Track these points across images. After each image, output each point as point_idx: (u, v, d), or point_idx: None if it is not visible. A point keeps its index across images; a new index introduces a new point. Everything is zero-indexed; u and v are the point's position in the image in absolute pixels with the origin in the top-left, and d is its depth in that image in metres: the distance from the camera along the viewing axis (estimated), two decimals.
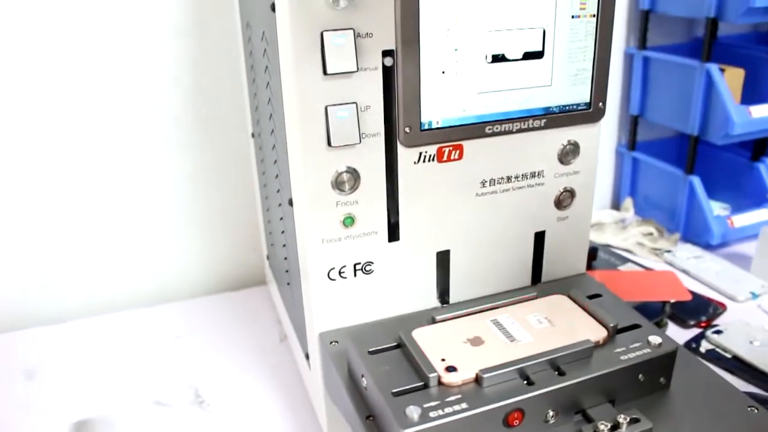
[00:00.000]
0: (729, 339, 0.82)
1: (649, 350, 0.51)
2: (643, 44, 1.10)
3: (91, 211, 0.92)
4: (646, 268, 0.98)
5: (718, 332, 0.83)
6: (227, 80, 0.91)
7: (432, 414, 0.45)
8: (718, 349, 0.81)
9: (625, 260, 0.98)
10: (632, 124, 1.16)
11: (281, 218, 0.69)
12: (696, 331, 0.85)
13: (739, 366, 0.78)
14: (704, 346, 0.82)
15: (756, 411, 0.50)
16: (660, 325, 0.85)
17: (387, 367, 0.50)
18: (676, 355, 0.52)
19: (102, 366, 0.82)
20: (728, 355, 0.80)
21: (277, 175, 0.67)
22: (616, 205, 1.25)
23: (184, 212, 0.97)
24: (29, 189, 0.88)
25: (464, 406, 0.45)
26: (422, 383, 0.48)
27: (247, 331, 0.89)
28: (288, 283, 0.72)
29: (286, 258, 0.70)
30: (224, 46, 0.89)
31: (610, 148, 1.22)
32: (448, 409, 0.45)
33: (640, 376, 0.51)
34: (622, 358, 0.50)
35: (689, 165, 1.06)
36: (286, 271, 0.72)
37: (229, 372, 0.80)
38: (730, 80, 1.00)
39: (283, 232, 0.70)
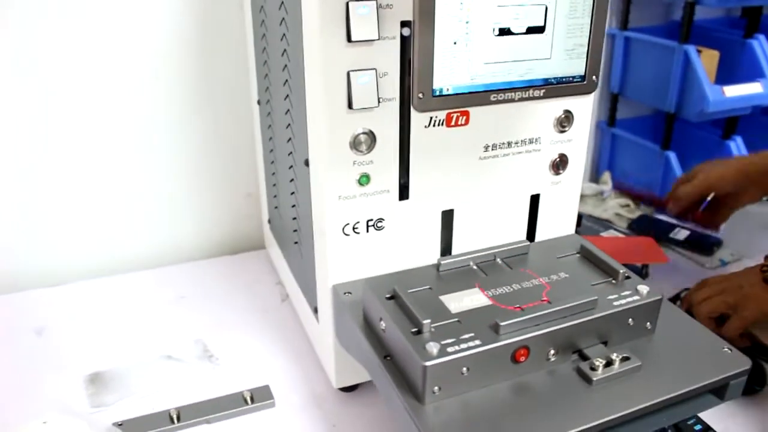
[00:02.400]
0: None
1: (638, 298, 0.57)
2: (624, 25, 1.16)
3: (98, 177, 0.94)
4: (627, 235, 1.04)
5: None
6: (232, 48, 0.94)
7: (450, 349, 0.49)
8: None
9: (607, 227, 1.04)
10: (612, 101, 1.22)
11: (291, 180, 0.73)
12: (674, 293, 0.91)
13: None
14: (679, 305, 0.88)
15: (730, 351, 0.57)
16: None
17: (403, 311, 0.54)
18: (661, 303, 0.58)
19: (110, 323, 0.85)
20: None
21: (289, 139, 0.71)
22: (595, 178, 1.31)
23: (185, 178, 1.00)
24: (38, 155, 0.90)
25: (478, 342, 0.50)
26: (417, 329, 0.52)
27: (248, 291, 0.93)
28: (296, 243, 0.76)
29: (294, 218, 0.74)
30: (229, 17, 0.92)
31: (591, 124, 1.28)
32: (463, 345, 0.50)
33: (630, 320, 0.56)
34: (615, 303, 0.56)
35: (666, 141, 1.12)
36: (294, 231, 0.76)
37: (234, 328, 0.84)
38: (705, 61, 1.06)
39: (292, 193, 0.74)
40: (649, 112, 1.23)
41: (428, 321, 0.51)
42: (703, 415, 0.65)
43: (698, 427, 0.66)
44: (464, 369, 0.50)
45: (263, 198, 0.95)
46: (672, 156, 1.11)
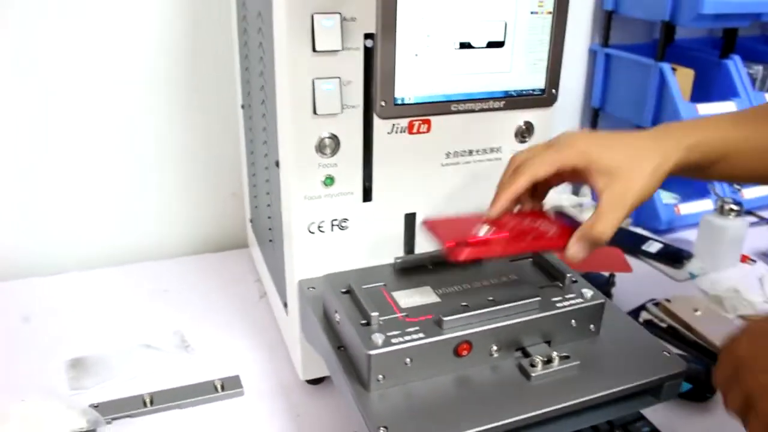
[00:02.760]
0: (675, 307, 0.91)
1: (581, 300, 0.60)
2: (605, 42, 1.19)
3: (87, 173, 0.99)
4: None
5: (668, 300, 0.92)
6: (220, 54, 0.98)
7: (394, 340, 0.53)
8: (655, 320, 0.91)
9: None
10: (593, 116, 1.26)
11: (267, 180, 0.77)
12: (639, 302, 0.94)
13: (672, 334, 0.88)
14: (643, 316, 0.92)
15: (668, 355, 0.60)
16: (608, 295, 0.94)
17: (356, 304, 0.58)
18: (604, 307, 0.61)
19: (95, 313, 0.89)
20: (663, 325, 0.90)
21: (265, 141, 0.75)
22: (576, 191, 1.34)
23: (174, 178, 1.04)
24: (28, 152, 0.95)
25: (421, 335, 0.54)
26: (366, 321, 0.56)
27: (229, 287, 0.96)
28: (270, 240, 0.80)
29: (269, 217, 0.78)
30: (218, 23, 0.96)
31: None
32: (407, 338, 0.53)
33: (572, 321, 0.60)
34: (558, 305, 0.59)
35: None
36: (269, 229, 0.79)
37: (213, 322, 0.88)
38: (681, 79, 1.09)
39: (268, 193, 0.77)
40: (629, 127, 1.26)
41: (376, 314, 0.55)
42: (654, 419, 0.68)
43: (646, 429, 0.69)
44: (407, 360, 0.53)
45: (246, 198, 0.99)
46: None
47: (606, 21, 1.18)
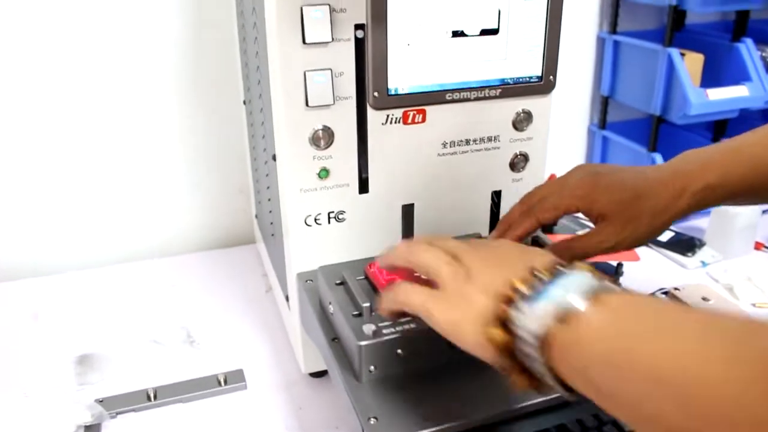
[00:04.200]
0: (685, 295, 0.90)
1: None
2: (613, 29, 1.18)
3: (95, 171, 1.00)
4: None
5: (677, 289, 0.91)
6: (222, 51, 0.98)
7: (385, 331, 0.53)
8: None
9: (585, 226, 1.06)
10: (603, 104, 1.24)
11: (267, 174, 0.77)
12: (648, 292, 0.93)
13: None
14: None
15: None
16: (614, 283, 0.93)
17: (350, 295, 0.58)
18: None
19: (102, 310, 0.90)
20: None
21: (263, 135, 0.75)
22: None
23: (180, 175, 1.05)
24: (35, 152, 0.96)
25: (413, 326, 0.54)
26: (358, 312, 0.56)
27: (236, 282, 0.97)
28: (272, 234, 0.80)
29: (270, 211, 0.78)
30: (220, 19, 0.96)
31: (583, 127, 1.30)
32: (398, 328, 0.53)
33: None
34: None
35: (652, 143, 1.14)
36: (271, 223, 0.80)
37: (219, 317, 0.88)
38: (690, 64, 1.07)
39: (268, 187, 0.77)
40: (640, 115, 1.25)
41: (367, 305, 0.55)
42: None
43: None
44: (399, 350, 0.53)
45: (251, 193, 1.00)
46: (658, 157, 1.13)
47: (614, 7, 1.17)
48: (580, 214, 0.66)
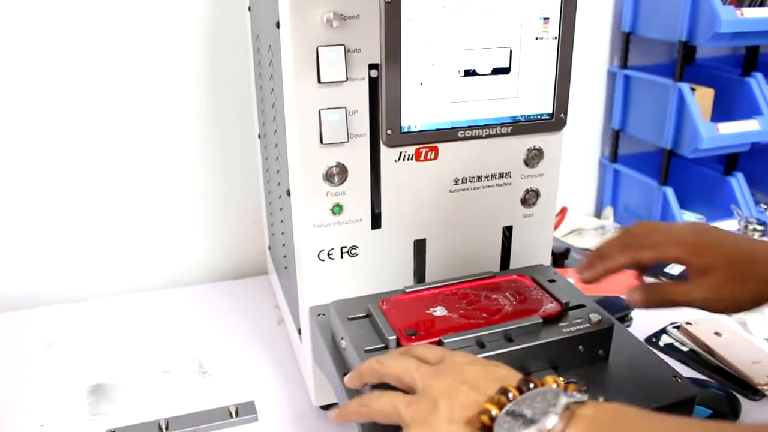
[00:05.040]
0: (697, 330, 0.89)
1: (588, 325, 0.60)
2: (624, 63, 1.19)
3: (110, 202, 1.01)
4: None
5: (689, 323, 0.90)
6: (239, 86, 1.00)
7: None
8: (676, 343, 0.89)
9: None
10: (614, 137, 1.25)
11: (281, 208, 0.78)
12: (660, 326, 0.93)
13: (693, 358, 0.86)
14: (663, 340, 0.90)
15: (678, 380, 0.59)
16: (625, 320, 0.93)
17: (362, 330, 0.58)
18: (613, 331, 0.61)
19: (116, 339, 0.91)
20: (685, 349, 0.88)
21: (278, 170, 0.76)
22: (598, 213, 1.33)
23: (194, 207, 1.06)
24: (51, 183, 0.98)
25: None
26: (384, 345, 0.56)
27: (248, 314, 0.97)
28: (285, 268, 0.81)
29: (284, 244, 0.79)
30: (237, 56, 0.98)
31: (594, 160, 1.31)
32: None
33: (580, 347, 0.59)
34: (564, 330, 0.59)
35: (663, 176, 1.14)
36: (284, 257, 0.80)
37: (230, 348, 0.89)
38: (700, 99, 1.08)
39: (282, 221, 0.79)
40: (651, 148, 1.26)
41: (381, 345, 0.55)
42: None
43: None
44: None
45: (265, 226, 1.01)
46: (669, 191, 1.13)
47: (624, 42, 1.18)
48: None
